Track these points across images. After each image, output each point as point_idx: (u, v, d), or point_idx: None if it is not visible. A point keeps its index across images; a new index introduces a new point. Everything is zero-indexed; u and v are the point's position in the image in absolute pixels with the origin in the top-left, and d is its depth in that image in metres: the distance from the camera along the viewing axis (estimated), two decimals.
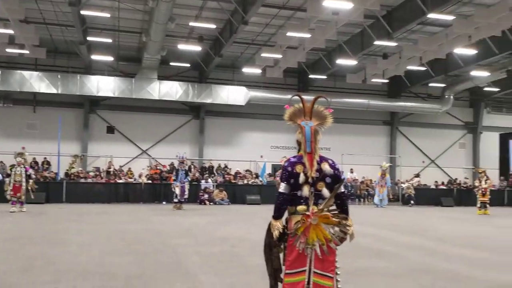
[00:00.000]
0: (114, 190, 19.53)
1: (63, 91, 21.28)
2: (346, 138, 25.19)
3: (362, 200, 22.56)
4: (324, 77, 23.53)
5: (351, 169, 23.90)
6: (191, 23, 17.69)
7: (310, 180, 3.66)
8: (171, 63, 22.66)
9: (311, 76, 23.63)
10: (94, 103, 23.21)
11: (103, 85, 21.78)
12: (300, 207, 3.65)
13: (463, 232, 11.74)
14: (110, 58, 21.26)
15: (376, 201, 20.48)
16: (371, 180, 22.93)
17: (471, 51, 18.74)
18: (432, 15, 15.23)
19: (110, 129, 23.55)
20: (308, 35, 17.11)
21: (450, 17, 15.93)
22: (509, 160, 25.51)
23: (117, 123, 23.55)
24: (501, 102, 28.83)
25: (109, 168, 21.10)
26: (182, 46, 19.57)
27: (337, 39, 18.88)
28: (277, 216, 3.71)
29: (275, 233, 3.68)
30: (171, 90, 22.45)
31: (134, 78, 22.08)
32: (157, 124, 23.77)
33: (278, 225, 3.68)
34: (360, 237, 9.49)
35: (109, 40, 19.86)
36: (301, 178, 3.66)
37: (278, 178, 17.98)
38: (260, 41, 20.41)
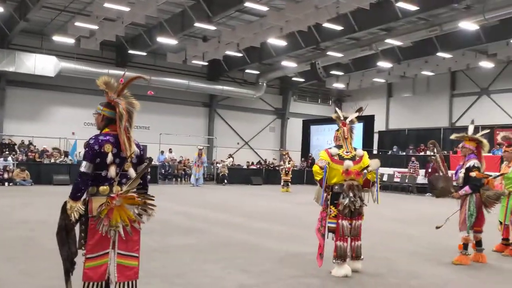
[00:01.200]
0: None
1: None
2: (165, 118, 25.18)
3: (179, 179, 22.85)
4: (144, 53, 22.95)
5: (170, 149, 23.99)
6: None
7: (117, 160, 3.53)
8: None
9: (130, 51, 22.80)
10: None
11: None
12: (102, 188, 3.50)
13: (266, 208, 12.80)
14: None
15: (193, 180, 20.94)
16: (188, 159, 23.36)
17: (282, 42, 20.33)
18: (248, 4, 15.98)
19: None
20: (127, 9, 16.38)
21: (265, 8, 16.95)
22: (309, 144, 28.63)
23: None
24: (305, 92, 32.16)
25: None
26: None
27: (158, 16, 18.53)
28: (77, 197, 3.48)
29: (74, 215, 3.45)
30: None
31: None
32: None
33: (78, 207, 3.46)
34: (173, 215, 9.70)
35: None
36: (109, 158, 3.49)
37: None
38: (74, 8, 18.85)
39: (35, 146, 20.92)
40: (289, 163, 19.37)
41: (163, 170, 22.08)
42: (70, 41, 20.34)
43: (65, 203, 3.52)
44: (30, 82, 21.87)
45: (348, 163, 5.32)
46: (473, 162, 6.20)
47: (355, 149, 5.54)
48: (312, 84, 29.27)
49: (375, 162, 5.41)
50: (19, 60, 20.51)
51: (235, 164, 25.45)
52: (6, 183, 17.04)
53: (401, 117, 28.65)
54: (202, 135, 27.31)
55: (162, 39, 19.81)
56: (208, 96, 27.79)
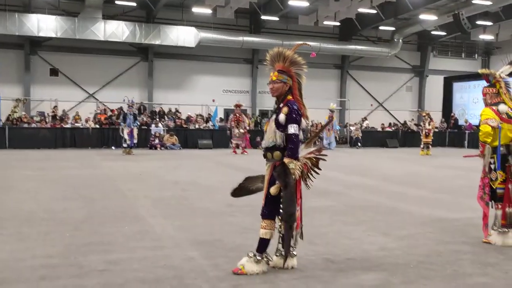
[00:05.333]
0: (61, 135, 18.97)
1: (0, 31, 19.91)
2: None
3: None
4: (276, 18, 23.16)
5: None
6: None
7: None
8: (116, 2, 21.49)
9: (263, 17, 23.19)
10: (35, 44, 21.91)
11: (44, 25, 20.48)
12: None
13: (404, 171, 12.34)
14: None
15: (325, 143, 20.94)
16: (321, 123, 23.31)
17: None
18: None
19: (54, 72, 22.46)
20: None
21: None
22: (451, 103, 26.60)
23: (61, 65, 22.44)
24: (447, 46, 29.64)
25: (54, 112, 20.33)
26: None
27: None
28: (297, 156, 3.91)
29: (298, 173, 3.87)
30: (117, 30, 21.46)
31: (77, 17, 20.88)
32: (104, 67, 22.89)
33: (299, 165, 3.92)
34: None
35: None
36: (304, 123, 4.01)
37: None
38: None
39: (180, 113, 22.70)
40: (429, 125, 18.30)
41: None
42: (208, 11, 21.37)
43: (284, 164, 3.75)
44: (173, 54, 23.59)
45: None
46: None
47: None
48: (454, 37, 26.88)
49: None
50: (163, 33, 22.17)
51: (369, 126, 24.79)
52: (158, 148, 18.91)
53: None
54: (334, 98, 26.95)
55: (293, 2, 19.76)
56: (340, 58, 27.18)
